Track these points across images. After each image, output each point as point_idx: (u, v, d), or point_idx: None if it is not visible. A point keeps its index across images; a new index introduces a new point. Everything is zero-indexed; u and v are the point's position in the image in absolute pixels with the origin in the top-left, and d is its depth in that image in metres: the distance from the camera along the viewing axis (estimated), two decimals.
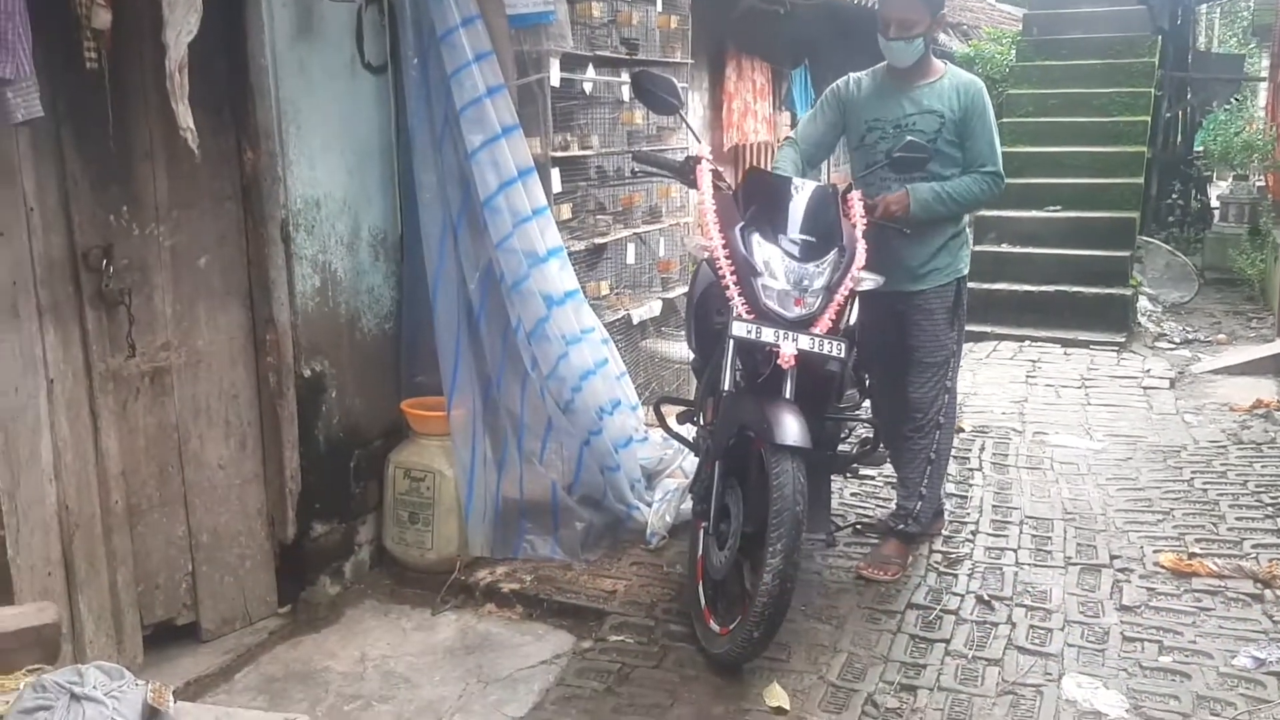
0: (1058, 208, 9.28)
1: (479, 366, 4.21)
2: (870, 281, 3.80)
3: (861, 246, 3.75)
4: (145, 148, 3.33)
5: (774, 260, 3.62)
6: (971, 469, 5.38)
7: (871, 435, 4.15)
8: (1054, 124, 10.05)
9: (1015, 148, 10.01)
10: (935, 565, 4.25)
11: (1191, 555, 4.30)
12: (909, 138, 3.98)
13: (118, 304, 3.28)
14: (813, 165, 4.38)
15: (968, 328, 8.95)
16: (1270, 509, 4.79)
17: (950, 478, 5.24)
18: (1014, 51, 11.44)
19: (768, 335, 3.54)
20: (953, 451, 4.72)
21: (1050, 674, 3.46)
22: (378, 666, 3.64)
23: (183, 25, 3.01)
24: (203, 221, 3.57)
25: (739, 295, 3.60)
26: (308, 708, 3.22)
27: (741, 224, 3.72)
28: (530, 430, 4.27)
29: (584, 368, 4.20)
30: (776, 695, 3.31)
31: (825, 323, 3.60)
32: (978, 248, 9.20)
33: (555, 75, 4.63)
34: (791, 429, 3.36)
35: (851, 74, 4.30)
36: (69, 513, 3.18)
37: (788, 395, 3.51)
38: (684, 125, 4.31)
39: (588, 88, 5.14)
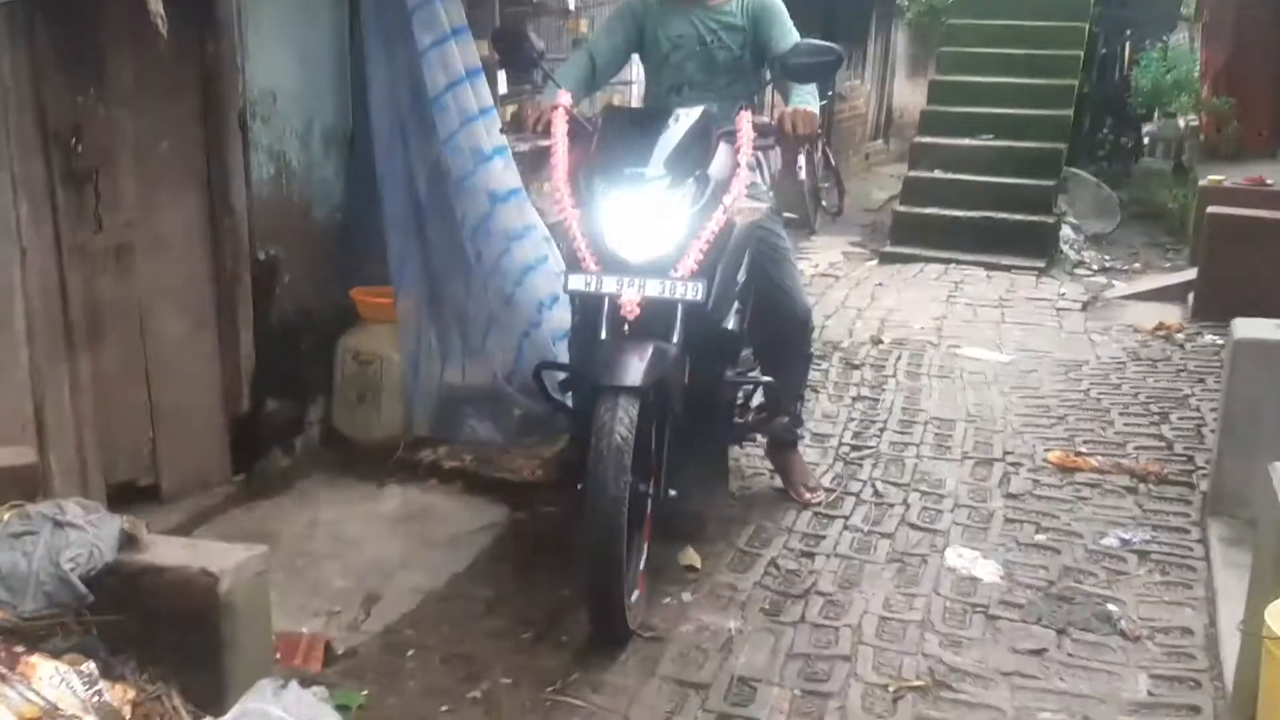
0: (990, 136, 9.56)
1: (425, 259, 4.44)
2: (754, 210, 3.52)
3: (743, 173, 3.45)
4: (113, 33, 3.51)
5: (619, 201, 3.31)
6: (886, 375, 5.76)
7: (766, 400, 3.91)
8: (991, 55, 10.28)
9: (953, 76, 10.32)
10: (842, 456, 4.63)
11: (1078, 454, 4.71)
12: (805, 40, 3.63)
13: (86, 181, 3.48)
14: (605, 79, 4.16)
15: (895, 249, 9.04)
16: (1156, 417, 5.21)
17: (866, 383, 5.63)
18: None
19: (609, 285, 3.24)
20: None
21: (936, 547, 3.86)
22: (327, 530, 3.94)
23: None
24: (165, 108, 3.76)
25: (585, 245, 3.33)
26: None
27: (586, 167, 3.43)
28: (473, 322, 4.51)
29: (525, 264, 4.44)
30: (690, 556, 3.67)
31: (687, 264, 3.24)
32: (911, 173, 9.55)
33: None
34: (614, 367, 3.03)
35: None
36: (40, 375, 3.41)
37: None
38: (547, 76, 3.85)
39: None
